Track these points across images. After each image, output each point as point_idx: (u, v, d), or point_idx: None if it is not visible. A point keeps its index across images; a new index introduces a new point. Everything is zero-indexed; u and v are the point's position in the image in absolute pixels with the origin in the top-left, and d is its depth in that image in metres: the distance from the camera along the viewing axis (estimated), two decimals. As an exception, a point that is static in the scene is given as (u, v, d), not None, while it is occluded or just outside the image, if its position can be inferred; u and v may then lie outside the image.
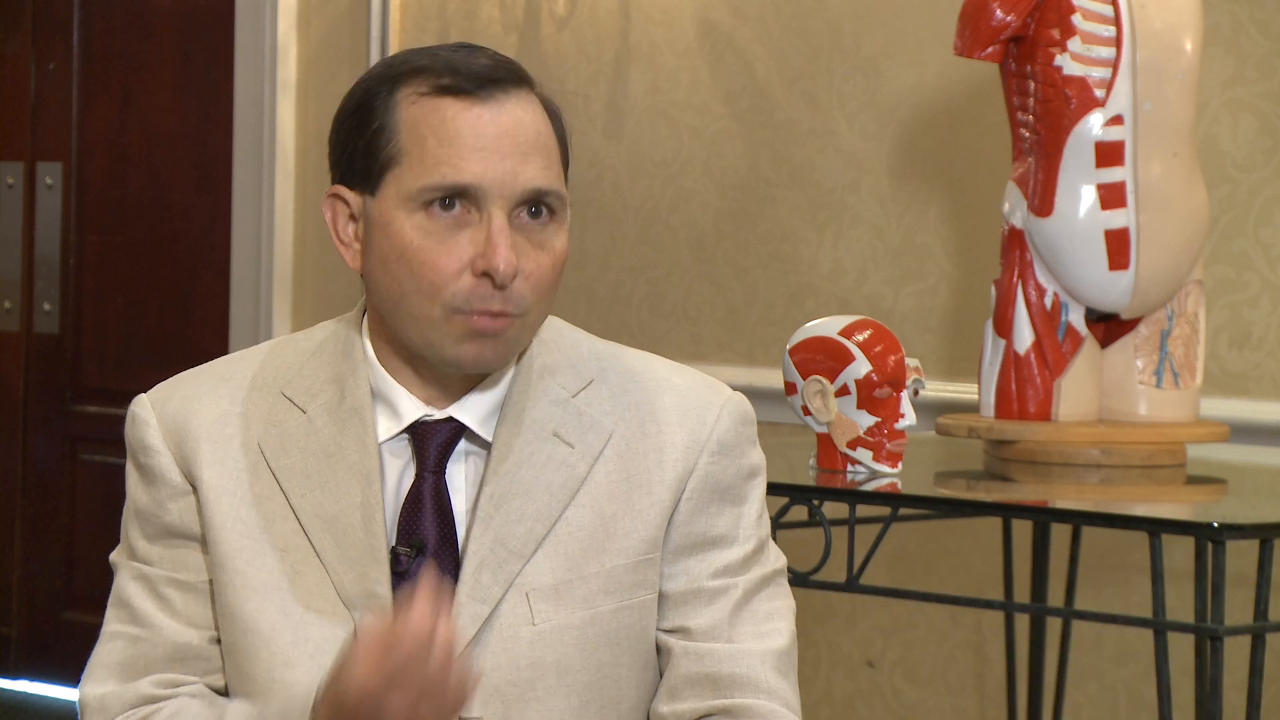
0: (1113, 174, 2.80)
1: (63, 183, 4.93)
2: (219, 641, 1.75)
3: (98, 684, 1.76)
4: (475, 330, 1.67)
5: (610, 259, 3.98)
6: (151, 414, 1.78)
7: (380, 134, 1.70)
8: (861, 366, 2.61)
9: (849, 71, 3.67)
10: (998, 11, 2.82)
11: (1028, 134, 2.86)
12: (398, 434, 1.74)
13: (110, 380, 4.88)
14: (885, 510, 2.52)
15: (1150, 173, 2.80)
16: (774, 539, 1.84)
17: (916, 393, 2.65)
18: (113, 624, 1.78)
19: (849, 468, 2.64)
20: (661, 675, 1.76)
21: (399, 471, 1.74)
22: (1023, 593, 3.28)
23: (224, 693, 1.76)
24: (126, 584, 1.78)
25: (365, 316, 1.79)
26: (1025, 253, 2.86)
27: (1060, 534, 3.23)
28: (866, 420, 2.62)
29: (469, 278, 1.67)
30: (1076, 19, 2.79)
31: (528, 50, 4.06)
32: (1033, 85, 2.83)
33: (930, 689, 3.59)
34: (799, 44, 3.73)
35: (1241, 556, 2.65)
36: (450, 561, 1.71)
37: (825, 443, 2.66)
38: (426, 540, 1.71)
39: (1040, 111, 2.82)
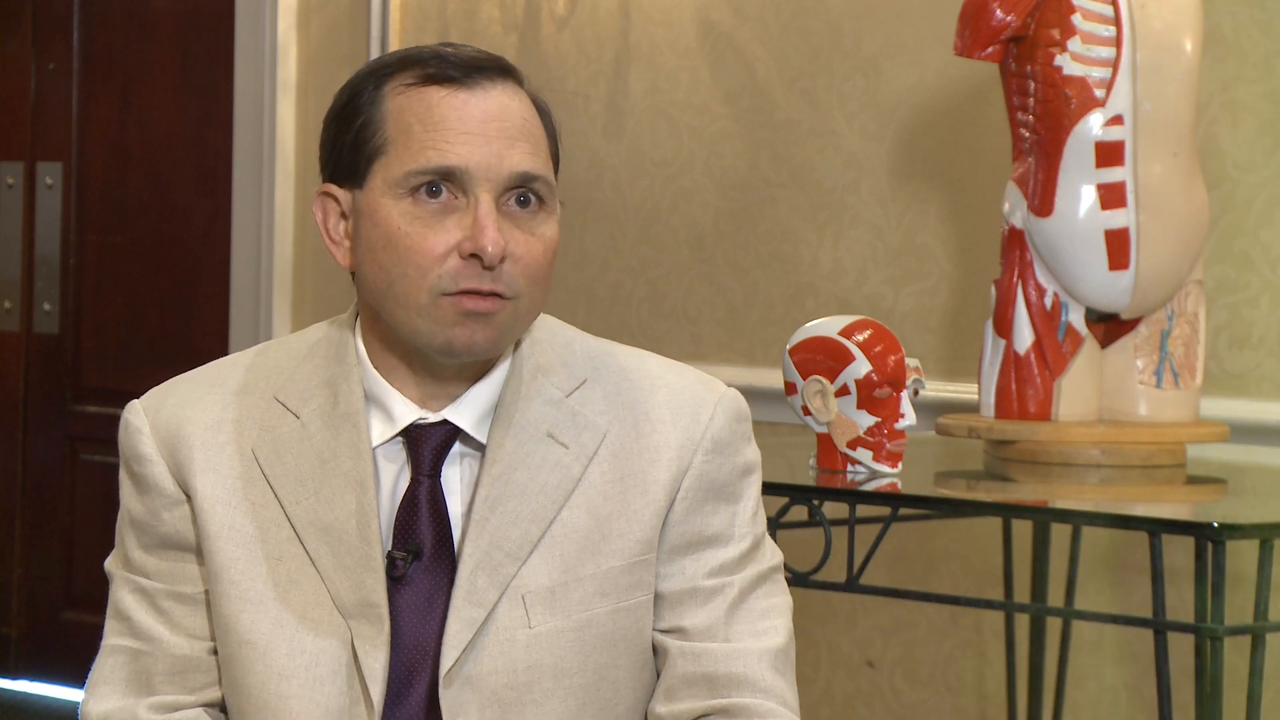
0: (1113, 174, 2.79)
1: (63, 183, 4.92)
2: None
3: (101, 700, 1.75)
4: (465, 311, 1.65)
5: (610, 259, 3.98)
6: (145, 421, 1.76)
7: (366, 127, 1.69)
8: (861, 366, 2.61)
9: (849, 71, 3.67)
10: (998, 11, 2.81)
11: (1028, 134, 2.85)
12: (392, 438, 1.73)
13: (110, 380, 4.88)
14: (885, 510, 2.52)
15: (1150, 173, 2.80)
16: (774, 539, 1.84)
17: (916, 393, 2.65)
18: (112, 637, 1.77)
19: (849, 468, 2.64)
20: (658, 676, 1.75)
21: (394, 475, 1.73)
22: (1023, 593, 3.28)
23: (223, 704, 1.75)
24: (125, 596, 1.77)
25: (358, 318, 1.78)
26: (1025, 253, 2.85)
27: (1060, 534, 3.23)
28: (866, 420, 2.62)
29: (456, 259, 1.65)
30: (1076, 19, 2.79)
31: (528, 50, 4.06)
32: (1033, 85, 2.82)
33: (930, 689, 3.58)
34: (799, 44, 3.73)
35: (1241, 556, 2.65)
36: (446, 565, 1.70)
37: (825, 443, 2.66)
38: (422, 544, 1.70)
39: (1040, 111, 2.82)
